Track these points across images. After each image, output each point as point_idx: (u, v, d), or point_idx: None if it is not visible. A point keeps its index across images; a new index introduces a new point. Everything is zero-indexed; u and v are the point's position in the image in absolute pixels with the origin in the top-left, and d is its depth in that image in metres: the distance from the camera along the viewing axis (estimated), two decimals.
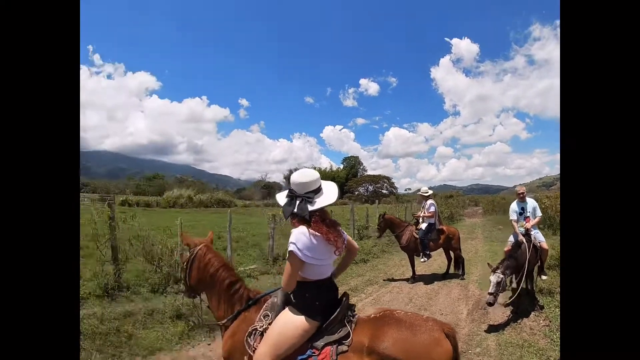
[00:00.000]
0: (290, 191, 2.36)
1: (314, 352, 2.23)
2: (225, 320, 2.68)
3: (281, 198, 2.43)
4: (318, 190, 2.34)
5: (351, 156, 77.80)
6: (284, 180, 66.98)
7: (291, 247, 2.18)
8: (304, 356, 2.23)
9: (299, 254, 2.17)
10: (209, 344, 4.82)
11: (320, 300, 2.32)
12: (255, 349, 2.34)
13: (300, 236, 2.20)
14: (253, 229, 15.33)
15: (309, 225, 2.23)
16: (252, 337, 2.43)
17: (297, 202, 2.30)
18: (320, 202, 2.29)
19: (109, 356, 4.38)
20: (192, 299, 3.23)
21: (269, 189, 63.38)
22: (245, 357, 2.41)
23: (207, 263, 2.77)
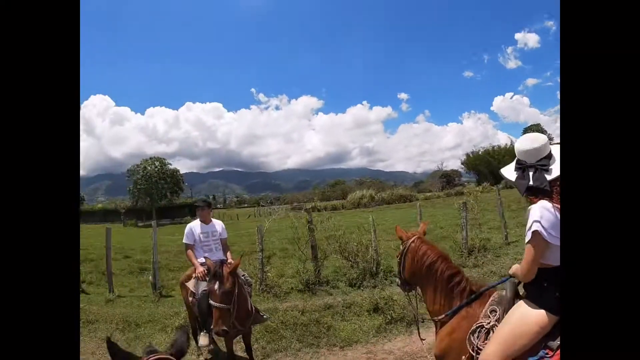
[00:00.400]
0: (519, 162, 2.10)
1: (547, 354, 1.92)
2: (443, 315, 2.53)
3: (508, 172, 2.18)
4: (550, 156, 2.01)
5: (531, 125, 66.37)
6: (462, 166, 65.54)
7: (535, 226, 1.90)
8: (535, 357, 1.95)
9: (544, 233, 1.88)
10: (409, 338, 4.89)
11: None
12: (479, 348, 2.15)
13: (544, 212, 1.91)
14: (439, 221, 15.58)
15: (550, 199, 1.93)
16: (476, 335, 2.23)
17: (531, 173, 2.01)
18: (557, 169, 1.93)
19: (308, 345, 4.87)
20: (406, 293, 3.09)
21: (447, 177, 63.79)
22: (464, 357, 2.25)
23: (422, 255, 2.68)
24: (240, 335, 4.38)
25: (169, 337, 5.79)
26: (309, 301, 6.55)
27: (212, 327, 3.79)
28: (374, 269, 7.60)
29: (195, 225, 4.69)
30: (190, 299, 4.50)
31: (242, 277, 4.36)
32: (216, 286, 3.77)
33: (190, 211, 44.33)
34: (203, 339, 4.23)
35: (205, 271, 4.15)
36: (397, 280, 3.14)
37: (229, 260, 4.50)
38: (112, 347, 1.39)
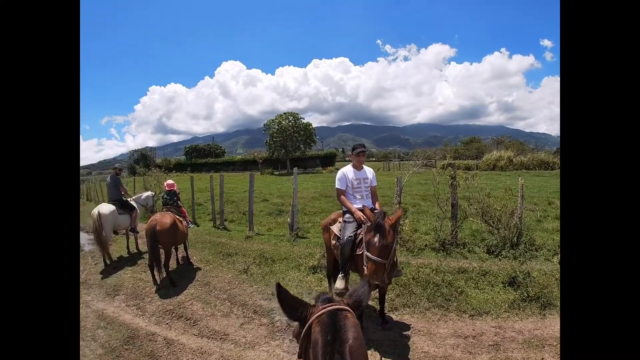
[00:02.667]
0: None
1: None
2: None
3: None
4: None
5: None
6: None
7: None
8: None
9: None
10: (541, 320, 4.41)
11: None
12: None
13: None
14: None
15: None
16: None
17: None
18: None
19: (437, 305, 4.70)
20: None
21: None
22: None
23: None
24: None
25: (302, 275, 5.97)
26: (443, 261, 6.19)
27: (365, 278, 3.53)
28: (515, 239, 6.77)
29: (347, 171, 4.50)
30: (333, 242, 4.46)
31: None
32: (376, 238, 3.56)
33: (322, 162, 46.40)
34: (340, 282, 4.17)
35: (364, 218, 3.96)
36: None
37: (377, 209, 4.25)
38: (281, 292, 1.38)
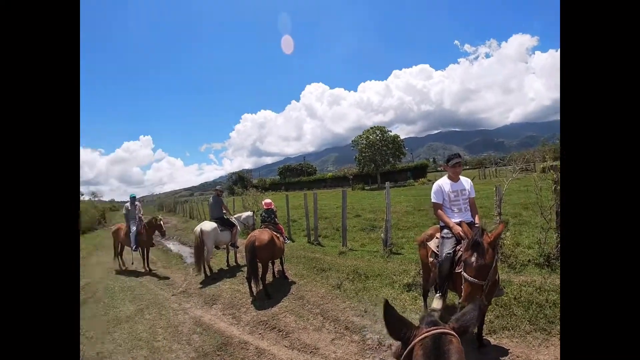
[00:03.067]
0: None
1: None
2: None
3: None
4: None
5: None
6: None
7: None
8: None
9: None
10: None
11: None
12: None
13: None
14: None
15: None
16: None
17: None
18: None
19: (540, 329, 4.22)
20: None
21: None
22: None
23: None
24: None
25: (396, 293, 5.71)
26: (548, 278, 5.45)
27: (460, 300, 3.45)
28: None
29: (443, 183, 4.22)
30: (431, 259, 4.22)
31: None
32: (473, 258, 3.31)
33: (413, 174, 45.16)
34: (437, 302, 3.92)
35: (463, 233, 3.72)
36: None
37: (476, 223, 4.01)
38: (387, 310, 1.33)
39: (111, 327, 5.76)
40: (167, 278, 8.76)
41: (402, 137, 46.15)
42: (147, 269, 9.67)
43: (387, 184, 9.51)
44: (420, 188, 29.12)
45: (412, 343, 1.25)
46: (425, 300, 4.73)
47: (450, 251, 3.80)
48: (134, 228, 9.65)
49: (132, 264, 10.39)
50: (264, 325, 5.17)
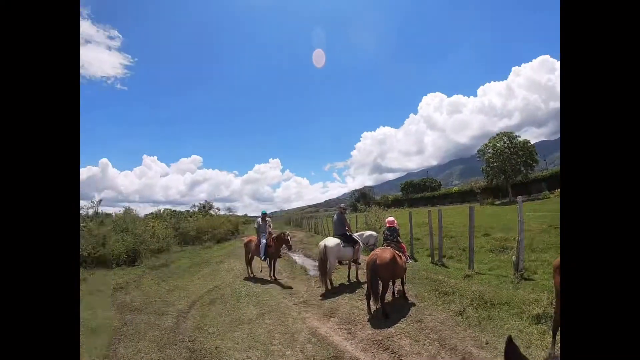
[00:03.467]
0: None
1: None
2: None
3: None
4: None
5: None
6: None
7: None
8: None
9: None
10: None
11: None
12: None
13: None
14: None
15: None
16: None
17: None
18: None
19: None
20: None
21: None
22: None
23: None
24: None
25: (523, 324, 5.15)
26: None
27: None
28: None
29: None
30: None
31: None
32: None
33: (548, 184, 40.04)
34: None
35: None
36: None
37: None
38: (510, 349, 1.24)
39: (233, 327, 6.30)
40: (290, 288, 9.26)
41: (532, 141, 41.44)
42: (273, 277, 10.40)
43: (520, 198, 8.57)
44: (556, 201, 25.38)
45: None
46: (554, 337, 4.24)
47: None
48: (263, 240, 10.57)
49: (260, 272, 11.27)
50: (378, 344, 5.09)
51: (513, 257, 8.20)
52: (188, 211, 39.82)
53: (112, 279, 11.51)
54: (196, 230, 25.38)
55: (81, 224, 16.29)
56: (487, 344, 4.74)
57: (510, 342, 1.24)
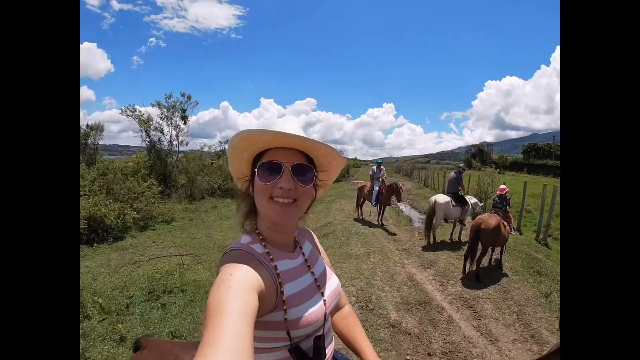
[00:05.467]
0: None
1: None
2: None
3: None
4: None
5: None
6: None
7: None
8: None
9: None
10: None
11: None
12: None
13: None
14: None
15: None
16: None
17: None
18: None
19: None
20: None
21: None
22: None
23: None
24: None
25: None
26: None
27: None
28: None
29: None
30: None
31: None
32: None
33: None
34: None
35: None
36: None
37: None
38: None
39: (342, 259, 7.35)
40: (395, 234, 10.16)
41: None
42: (380, 222, 11.40)
43: None
44: None
45: None
46: None
47: None
48: (376, 187, 11.53)
49: (369, 215, 12.31)
50: (464, 301, 5.76)
51: None
52: None
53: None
54: None
55: (211, 160, 18.46)
56: (558, 331, 5.07)
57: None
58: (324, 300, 1.16)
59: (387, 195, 11.40)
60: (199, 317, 4.51)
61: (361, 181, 14.50)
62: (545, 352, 1.56)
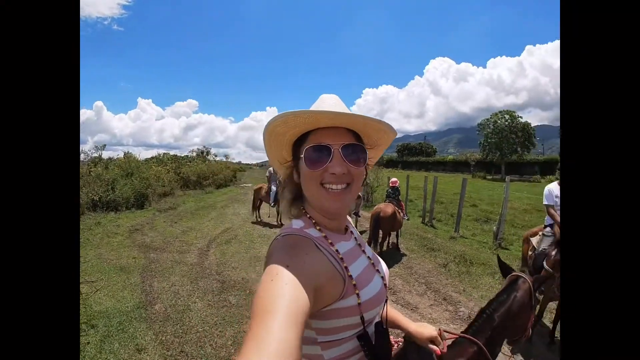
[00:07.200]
0: None
1: None
2: None
3: None
4: None
5: None
6: None
7: None
8: None
9: None
10: None
11: None
12: None
13: None
14: None
15: None
16: None
17: None
18: None
19: None
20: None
21: None
22: None
23: None
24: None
25: (495, 282, 6.37)
26: None
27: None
28: None
29: (553, 188, 4.76)
30: (530, 253, 4.83)
31: None
32: (554, 251, 4.12)
33: (541, 169, 41.33)
34: None
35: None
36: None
37: None
38: (500, 261, 2.02)
39: (253, 262, 7.22)
40: None
41: (534, 124, 41.92)
42: (280, 223, 11.47)
43: (508, 179, 9.74)
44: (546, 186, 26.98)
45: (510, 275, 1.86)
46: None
47: (547, 248, 4.35)
48: (274, 188, 11.55)
49: (268, 217, 12.38)
50: None
51: (494, 227, 9.48)
52: (187, 156, 40.35)
53: (125, 221, 11.76)
54: (197, 176, 25.85)
55: (89, 169, 16.14)
56: (464, 291, 5.93)
57: (499, 259, 1.92)
58: (383, 280, 1.11)
59: None
60: (123, 354, 3.92)
61: (246, 183, 14.38)
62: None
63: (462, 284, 6.26)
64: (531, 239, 4.93)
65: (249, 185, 28.85)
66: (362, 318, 0.95)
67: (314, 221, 1.02)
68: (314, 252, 0.90)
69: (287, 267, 0.79)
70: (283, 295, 0.71)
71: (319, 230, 1.00)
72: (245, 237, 9.52)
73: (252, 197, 12.70)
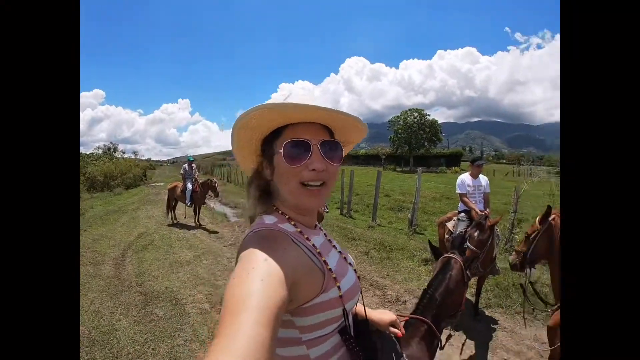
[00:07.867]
0: None
1: None
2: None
3: None
4: None
5: None
6: None
7: None
8: None
9: None
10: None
11: None
12: None
13: None
14: None
15: None
16: None
17: None
18: None
19: (527, 312, 4.64)
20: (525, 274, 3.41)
21: None
22: None
23: None
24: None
25: (414, 265, 6.78)
26: (545, 273, 5.97)
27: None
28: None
29: (465, 178, 5.40)
30: (447, 236, 5.29)
31: (495, 230, 4.94)
32: (476, 233, 4.58)
33: (447, 162, 45.02)
34: None
35: (476, 217, 4.84)
36: (513, 258, 3.43)
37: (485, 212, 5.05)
38: (431, 245, 2.24)
39: (175, 269, 6.71)
40: (217, 232, 9.95)
41: (440, 121, 45.74)
42: (198, 223, 10.94)
43: (419, 170, 10.46)
44: (451, 177, 29.16)
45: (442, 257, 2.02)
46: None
47: (463, 230, 4.85)
48: (190, 186, 10.96)
49: (184, 218, 11.62)
50: None
51: (409, 215, 10.13)
52: (92, 154, 37.22)
53: None
54: (104, 175, 24.10)
55: None
56: (388, 275, 6.25)
57: (430, 243, 2.13)
58: (356, 272, 1.11)
59: (202, 194, 11.07)
60: None
61: (172, 183, 13.63)
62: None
63: (384, 269, 6.56)
64: (446, 223, 5.41)
65: (161, 184, 27.56)
66: (344, 310, 0.94)
67: (287, 216, 1.00)
68: (291, 246, 0.88)
69: (264, 260, 0.76)
70: (258, 290, 0.68)
71: (294, 225, 0.98)
72: (163, 242, 8.92)
73: (167, 197, 11.95)
